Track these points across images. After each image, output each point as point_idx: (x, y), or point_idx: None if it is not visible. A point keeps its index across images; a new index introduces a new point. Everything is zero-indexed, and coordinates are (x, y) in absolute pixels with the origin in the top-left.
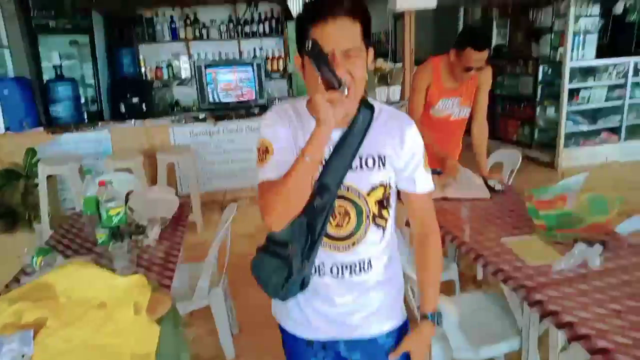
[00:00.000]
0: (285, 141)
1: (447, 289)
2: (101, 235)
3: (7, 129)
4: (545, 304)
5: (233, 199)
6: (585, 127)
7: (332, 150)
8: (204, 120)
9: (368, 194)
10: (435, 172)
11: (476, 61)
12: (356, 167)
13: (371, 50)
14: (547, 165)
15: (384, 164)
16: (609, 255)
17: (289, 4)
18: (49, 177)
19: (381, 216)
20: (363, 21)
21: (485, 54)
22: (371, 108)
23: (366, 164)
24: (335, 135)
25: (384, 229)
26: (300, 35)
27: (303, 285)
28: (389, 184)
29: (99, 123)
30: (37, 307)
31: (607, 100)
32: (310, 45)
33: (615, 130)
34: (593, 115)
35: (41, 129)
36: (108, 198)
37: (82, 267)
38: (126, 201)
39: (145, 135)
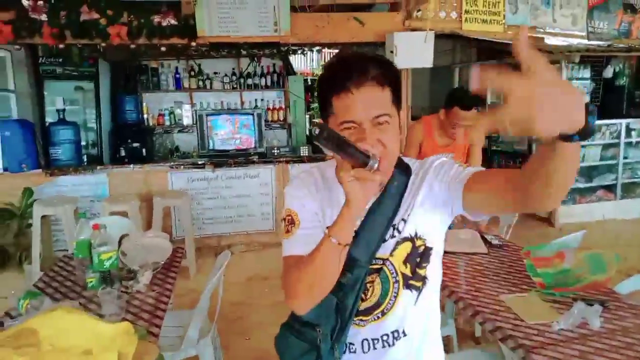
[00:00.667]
0: (311, 212)
1: (444, 345)
2: (91, 279)
3: (5, 169)
4: None
5: (228, 244)
6: (581, 185)
7: (362, 220)
8: (202, 166)
9: (391, 254)
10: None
11: (463, 119)
12: (389, 238)
13: (403, 113)
14: (544, 220)
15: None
16: (609, 316)
17: (290, 60)
18: (43, 218)
19: (415, 277)
20: (392, 85)
21: (472, 113)
22: (407, 171)
23: (397, 229)
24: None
25: (420, 290)
26: (322, 102)
27: None
28: (418, 235)
29: (98, 167)
30: (18, 355)
31: (601, 159)
32: (317, 132)
33: (611, 188)
34: (588, 173)
35: (40, 170)
36: (101, 242)
37: (68, 313)
38: (119, 244)
39: (144, 179)
